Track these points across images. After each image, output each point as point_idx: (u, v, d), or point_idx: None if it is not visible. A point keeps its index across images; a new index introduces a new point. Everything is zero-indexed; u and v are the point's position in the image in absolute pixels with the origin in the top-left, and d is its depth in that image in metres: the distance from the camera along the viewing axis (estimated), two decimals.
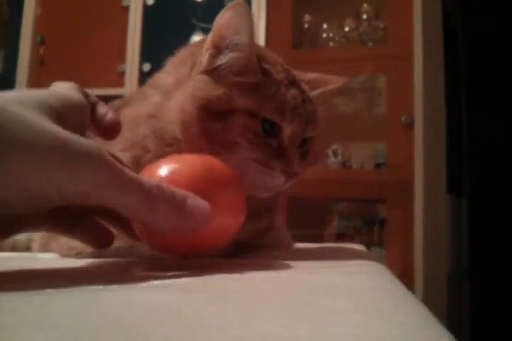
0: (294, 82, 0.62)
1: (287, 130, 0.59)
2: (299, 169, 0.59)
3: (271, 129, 0.58)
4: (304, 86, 0.64)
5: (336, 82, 0.69)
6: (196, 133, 0.59)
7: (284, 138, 0.59)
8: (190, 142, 0.59)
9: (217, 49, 0.61)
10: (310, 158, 0.65)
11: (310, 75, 0.69)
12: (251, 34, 0.60)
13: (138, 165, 0.59)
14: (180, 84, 0.63)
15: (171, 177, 0.48)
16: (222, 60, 0.60)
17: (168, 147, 0.61)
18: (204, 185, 0.48)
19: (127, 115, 0.65)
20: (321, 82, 0.68)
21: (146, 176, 0.50)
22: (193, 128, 0.59)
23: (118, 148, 0.62)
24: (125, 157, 0.61)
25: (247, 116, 0.58)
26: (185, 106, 0.60)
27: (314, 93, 0.66)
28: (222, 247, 0.52)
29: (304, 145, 0.63)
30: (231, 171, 0.52)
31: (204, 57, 0.61)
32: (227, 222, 0.50)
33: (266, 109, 0.58)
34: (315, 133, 0.64)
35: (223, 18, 0.59)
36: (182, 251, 0.50)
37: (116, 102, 0.84)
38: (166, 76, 0.66)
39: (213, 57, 0.61)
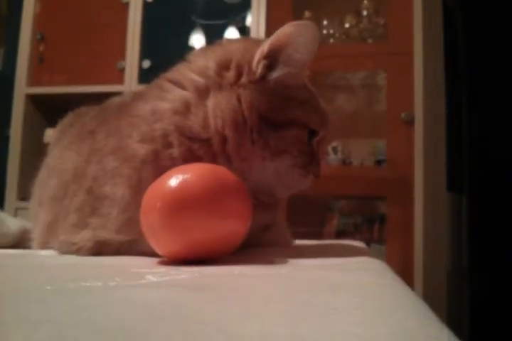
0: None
1: (317, 137, 0.66)
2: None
3: (310, 138, 0.65)
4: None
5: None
6: (249, 139, 0.62)
7: (313, 144, 0.66)
8: (238, 146, 0.62)
9: (271, 61, 0.62)
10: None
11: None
12: (312, 55, 0.64)
13: (157, 158, 0.61)
14: (217, 86, 0.63)
15: (182, 187, 0.49)
16: (278, 73, 0.63)
17: (195, 145, 0.61)
18: (214, 193, 0.49)
19: (143, 109, 0.65)
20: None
21: (157, 186, 0.51)
22: (247, 134, 0.62)
23: (135, 139, 0.62)
24: (143, 149, 0.61)
25: (299, 127, 0.63)
26: (237, 112, 0.62)
27: None
28: (230, 252, 0.53)
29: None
30: (237, 179, 0.53)
31: (258, 67, 0.62)
32: (236, 228, 0.51)
33: (313, 121, 0.65)
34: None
35: (287, 34, 0.61)
36: (193, 257, 0.50)
37: (116, 99, 0.84)
38: (193, 75, 0.65)
39: (266, 68, 0.62)
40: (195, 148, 0.61)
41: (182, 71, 0.67)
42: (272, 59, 0.62)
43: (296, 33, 0.61)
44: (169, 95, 0.64)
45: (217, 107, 0.61)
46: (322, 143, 0.69)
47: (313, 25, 0.61)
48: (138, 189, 0.59)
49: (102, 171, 0.65)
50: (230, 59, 0.64)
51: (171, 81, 0.66)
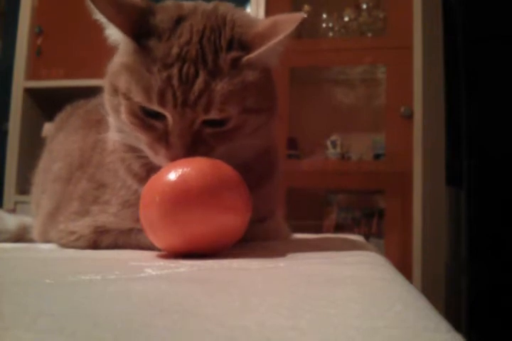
0: (191, 57, 0.55)
1: (167, 114, 0.55)
2: (185, 154, 0.54)
3: (155, 113, 0.55)
4: (221, 59, 0.55)
5: (288, 26, 0.57)
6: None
7: (168, 123, 0.55)
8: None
9: None
10: (237, 137, 0.58)
11: (263, 25, 0.59)
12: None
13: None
14: None
15: (182, 181, 0.49)
16: (109, 31, 0.60)
17: None
18: (213, 187, 0.50)
19: None
20: (274, 31, 0.58)
21: (156, 180, 0.51)
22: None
23: None
24: None
25: (124, 97, 0.56)
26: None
27: (256, 53, 0.56)
28: (229, 246, 0.53)
29: (216, 127, 0.56)
30: (237, 173, 0.53)
31: None
32: (234, 222, 0.51)
33: (134, 92, 0.55)
34: (223, 114, 0.55)
35: None
36: (192, 251, 0.51)
37: None
38: None
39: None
40: None
41: None
42: None
43: None
44: None
45: None
46: (230, 124, 0.58)
47: None
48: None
49: (103, 163, 0.66)
50: None
51: None
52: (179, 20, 0.57)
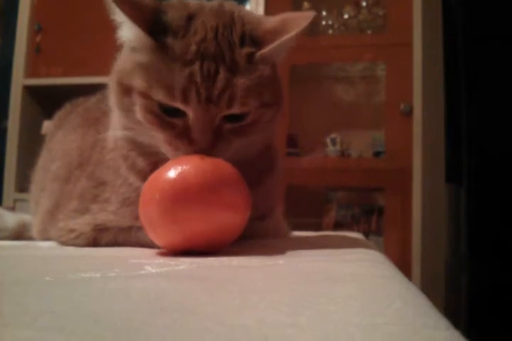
0: (209, 54, 0.55)
1: (189, 111, 0.55)
2: (210, 149, 0.55)
3: (174, 110, 0.56)
4: (237, 55, 0.56)
5: (299, 23, 0.59)
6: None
7: (189, 119, 0.55)
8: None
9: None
10: (253, 132, 0.59)
11: (272, 23, 0.60)
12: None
13: None
14: None
15: (181, 179, 0.49)
16: (122, 33, 0.59)
17: None
18: (213, 185, 0.50)
19: None
20: (284, 28, 0.59)
21: (156, 178, 0.51)
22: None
23: None
24: None
25: (141, 96, 0.56)
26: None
27: (268, 48, 0.57)
28: (229, 243, 0.53)
29: (235, 122, 0.57)
30: (236, 171, 0.53)
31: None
32: (234, 220, 0.51)
33: (155, 90, 0.55)
34: (244, 109, 0.56)
35: None
36: (192, 248, 0.51)
37: None
38: None
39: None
40: None
41: None
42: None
43: None
44: None
45: None
46: (247, 118, 0.59)
47: None
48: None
49: (103, 161, 0.66)
50: None
51: None
52: (190, 17, 0.57)
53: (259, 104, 0.57)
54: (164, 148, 0.57)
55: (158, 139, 0.57)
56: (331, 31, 2.11)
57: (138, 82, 0.56)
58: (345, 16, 2.11)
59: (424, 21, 1.86)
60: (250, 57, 0.57)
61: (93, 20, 2.22)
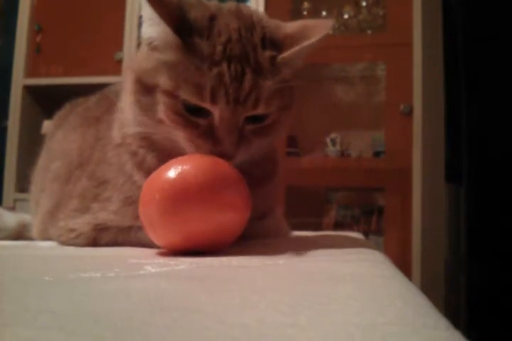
0: (235, 56, 0.55)
1: (216, 111, 0.55)
2: (234, 150, 0.56)
3: (198, 110, 0.56)
4: (261, 57, 0.57)
5: (319, 30, 0.60)
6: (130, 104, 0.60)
7: (215, 118, 0.56)
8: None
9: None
10: (271, 133, 0.61)
11: (291, 28, 0.61)
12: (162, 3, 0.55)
13: None
14: None
15: (181, 178, 0.49)
16: (146, 31, 0.58)
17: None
18: (212, 185, 0.50)
19: None
20: (304, 34, 0.60)
21: (156, 178, 0.51)
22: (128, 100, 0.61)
23: None
24: None
25: (166, 95, 0.56)
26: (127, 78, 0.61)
27: (289, 52, 0.58)
28: (229, 243, 0.53)
29: (257, 123, 0.58)
30: (236, 171, 0.53)
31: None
32: (234, 220, 0.51)
33: (183, 89, 0.55)
34: (268, 110, 0.57)
35: None
36: (192, 248, 0.51)
37: (117, 86, 0.84)
38: None
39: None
40: None
41: None
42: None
43: None
44: None
45: None
46: (269, 119, 0.60)
47: None
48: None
49: (104, 159, 0.66)
50: None
51: None
52: (212, 18, 0.58)
53: (280, 106, 0.59)
54: (185, 145, 0.58)
55: (179, 136, 0.58)
56: (330, 31, 2.11)
57: (163, 81, 0.56)
58: (345, 16, 2.11)
59: (424, 21, 1.86)
60: (272, 59, 0.58)
61: (93, 20, 2.22)
